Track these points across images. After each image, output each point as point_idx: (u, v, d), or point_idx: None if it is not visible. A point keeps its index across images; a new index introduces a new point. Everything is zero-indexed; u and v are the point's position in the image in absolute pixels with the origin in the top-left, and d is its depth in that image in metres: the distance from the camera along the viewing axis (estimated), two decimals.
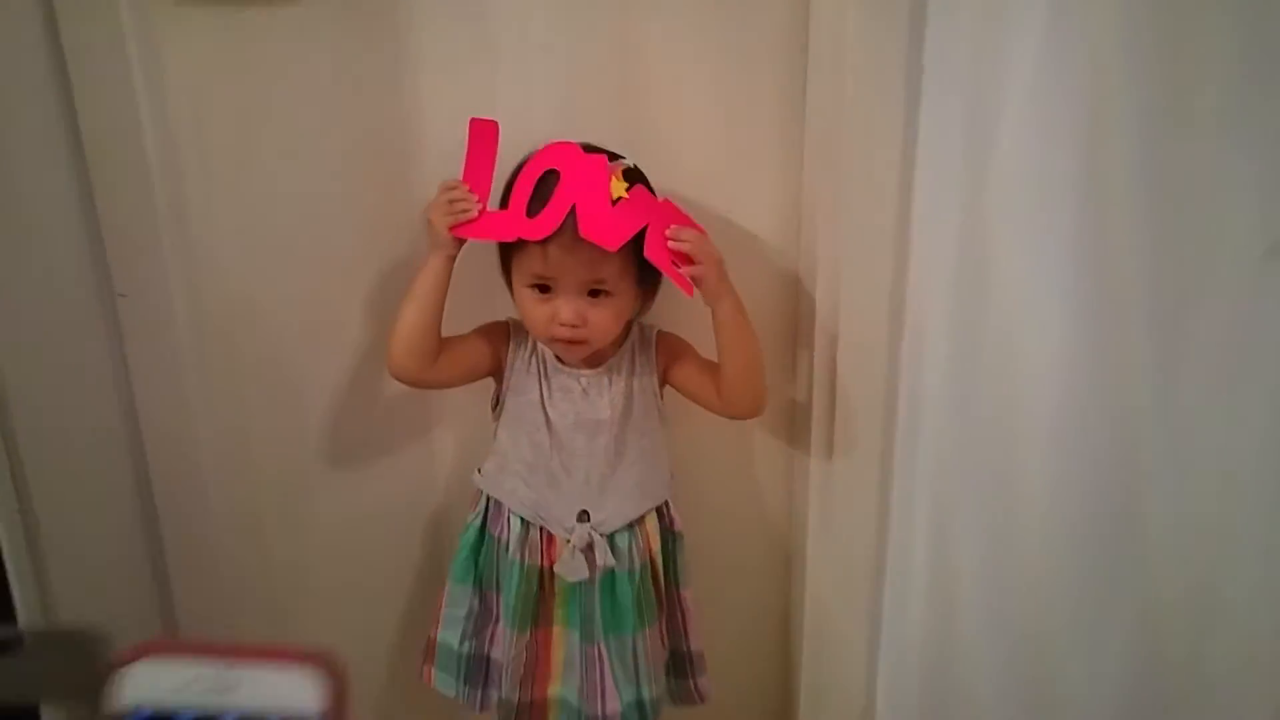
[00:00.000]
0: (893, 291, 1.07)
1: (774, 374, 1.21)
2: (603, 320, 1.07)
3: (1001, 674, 1.03)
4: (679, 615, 1.22)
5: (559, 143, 1.03)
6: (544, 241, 1.02)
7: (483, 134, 1.04)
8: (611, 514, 1.14)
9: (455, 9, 1.10)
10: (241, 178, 1.07)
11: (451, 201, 1.05)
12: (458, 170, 1.06)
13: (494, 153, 1.04)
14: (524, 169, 1.04)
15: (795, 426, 1.28)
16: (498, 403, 1.17)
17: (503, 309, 1.17)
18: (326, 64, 1.08)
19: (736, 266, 1.10)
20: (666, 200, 1.06)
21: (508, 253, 1.09)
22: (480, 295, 1.16)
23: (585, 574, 1.13)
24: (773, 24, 1.11)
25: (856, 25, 1.02)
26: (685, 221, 1.05)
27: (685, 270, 1.04)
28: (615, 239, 1.01)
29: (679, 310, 1.16)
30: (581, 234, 1.00)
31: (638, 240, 1.03)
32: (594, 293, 1.06)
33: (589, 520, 1.13)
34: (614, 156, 1.04)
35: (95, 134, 0.99)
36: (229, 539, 1.18)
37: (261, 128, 1.07)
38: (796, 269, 1.21)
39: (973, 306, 0.98)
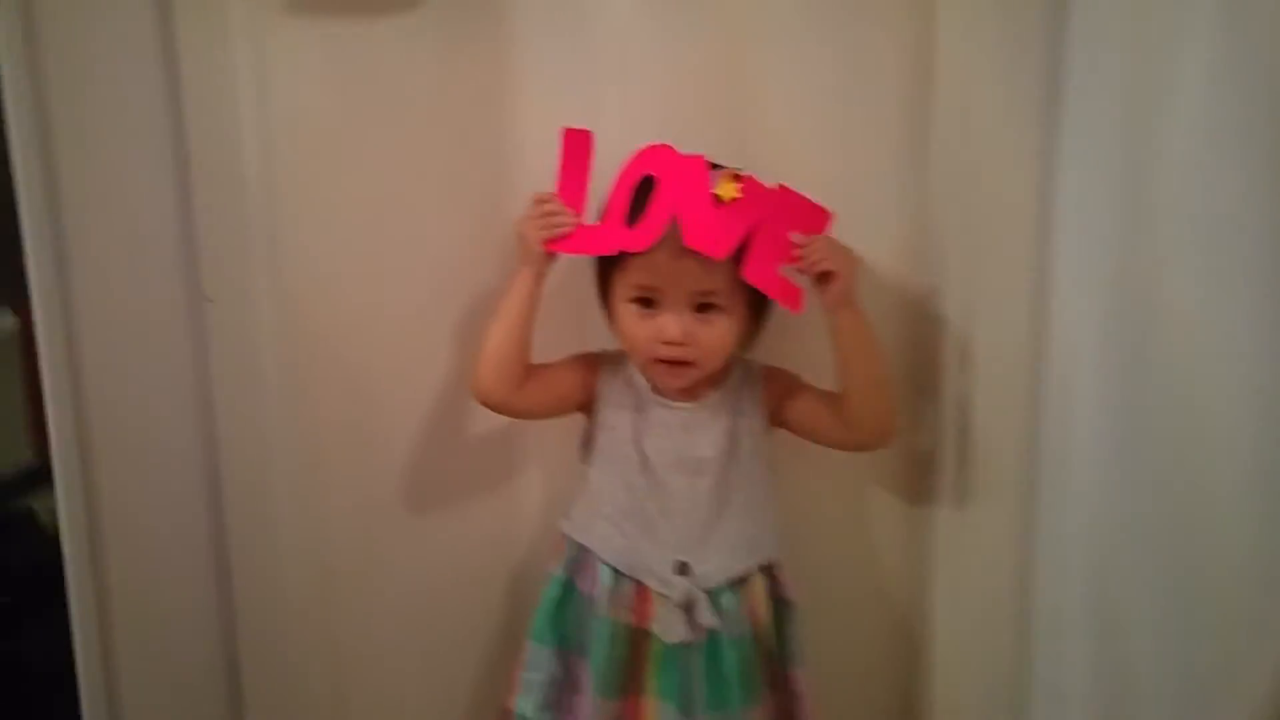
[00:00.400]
0: (1032, 322, 0.95)
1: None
2: (712, 339, 0.97)
3: None
4: (791, 700, 1.06)
5: (654, 145, 0.96)
6: (650, 249, 0.94)
7: (576, 144, 0.97)
8: (714, 567, 1.00)
9: (559, 21, 1.05)
10: (338, 190, 1.03)
11: (545, 215, 0.98)
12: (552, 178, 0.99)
13: (589, 164, 0.97)
14: (620, 177, 0.97)
15: (919, 479, 1.13)
16: (587, 442, 1.07)
17: (594, 339, 1.08)
18: (430, 76, 1.04)
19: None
20: (782, 188, 0.95)
21: (606, 269, 1.01)
22: (570, 325, 1.08)
23: (686, 635, 0.99)
24: (895, 29, 1.03)
25: (990, 27, 0.95)
26: (808, 213, 0.95)
27: (828, 287, 0.94)
28: (723, 246, 0.92)
29: (785, 344, 1.06)
30: (686, 242, 0.92)
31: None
32: (702, 309, 0.97)
33: (688, 573, 1.00)
34: (715, 167, 0.96)
35: (199, 135, 0.97)
36: (297, 587, 1.10)
37: (361, 139, 1.03)
38: (921, 299, 1.09)
39: (1133, 336, 0.85)
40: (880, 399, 1.00)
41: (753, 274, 0.94)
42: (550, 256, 0.99)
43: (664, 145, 0.95)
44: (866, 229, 1.03)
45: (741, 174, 0.95)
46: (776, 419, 1.05)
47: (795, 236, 0.94)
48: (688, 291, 0.95)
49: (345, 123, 1.02)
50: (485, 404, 1.03)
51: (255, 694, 1.11)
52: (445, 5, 1.02)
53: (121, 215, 0.96)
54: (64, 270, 0.92)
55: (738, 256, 0.94)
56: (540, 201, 0.99)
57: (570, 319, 1.08)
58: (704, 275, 0.95)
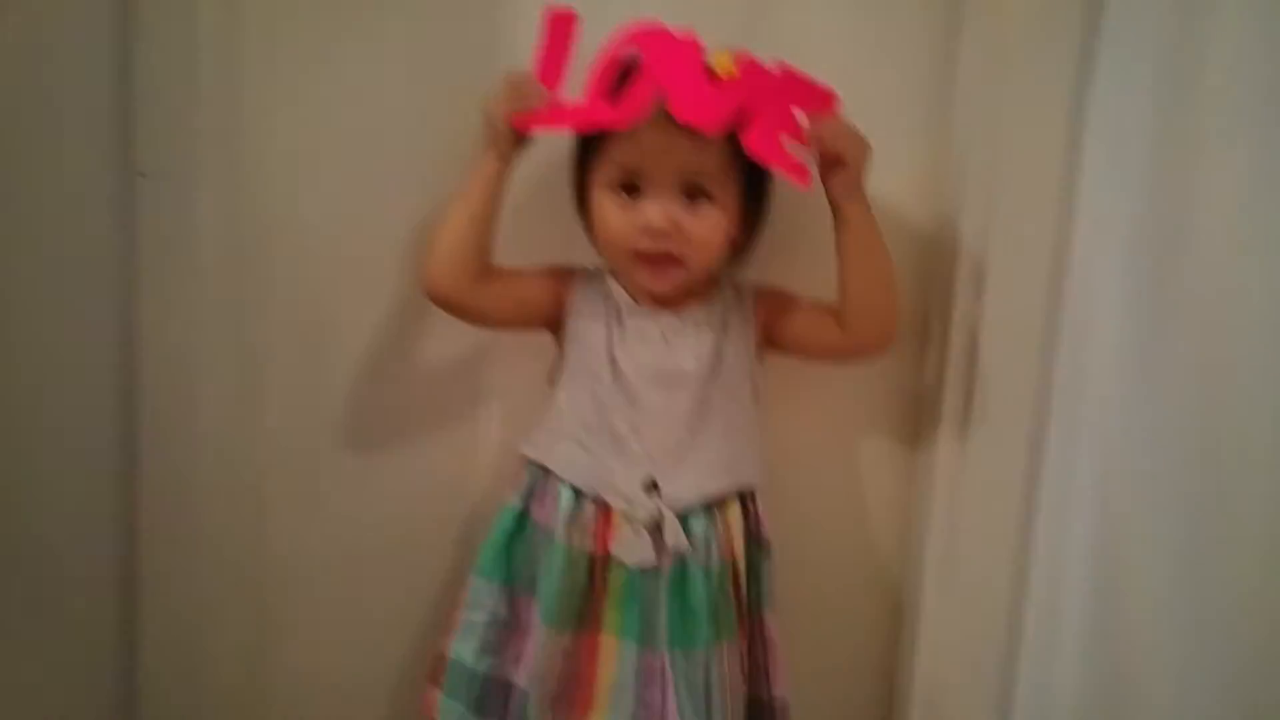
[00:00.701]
0: (1054, 252, 0.89)
1: (895, 363, 1.03)
2: (701, 231, 0.89)
3: None
4: (761, 647, 0.97)
5: (641, 23, 0.89)
6: (631, 128, 0.86)
7: (558, 26, 0.90)
8: (686, 487, 0.92)
9: None
10: (306, 73, 0.96)
11: (514, 89, 0.90)
12: None
13: (570, 47, 0.90)
14: (602, 54, 0.90)
15: (920, 416, 1.06)
16: (556, 365, 0.99)
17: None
18: None
19: None
20: (784, 66, 0.88)
21: (584, 156, 0.93)
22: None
23: (650, 558, 0.90)
24: None
25: None
26: (812, 94, 0.88)
27: (837, 174, 0.87)
28: (716, 119, 0.85)
29: (776, 265, 1.00)
30: (675, 115, 0.85)
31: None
32: (691, 196, 0.89)
33: (658, 492, 0.92)
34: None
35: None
36: (216, 515, 0.99)
37: (337, 20, 0.96)
38: (939, 223, 1.02)
39: (1160, 284, 0.79)
40: (885, 297, 0.92)
41: (756, 144, 0.86)
42: (518, 139, 0.91)
43: (653, 23, 0.89)
44: (884, 160, 0.95)
45: (739, 53, 0.89)
46: (770, 339, 0.97)
47: (803, 117, 0.88)
48: (675, 172, 0.88)
49: (322, 15, 0.95)
50: (433, 297, 0.94)
51: (154, 636, 0.98)
52: None
53: (46, 69, 0.86)
54: None
55: (733, 141, 0.87)
56: (510, 78, 0.92)
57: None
58: (694, 153, 0.87)
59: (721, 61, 0.87)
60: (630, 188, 0.89)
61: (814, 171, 0.89)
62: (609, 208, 0.90)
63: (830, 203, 0.90)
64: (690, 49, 0.87)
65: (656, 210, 0.88)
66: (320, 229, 0.98)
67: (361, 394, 1.04)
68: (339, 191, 0.98)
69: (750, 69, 0.87)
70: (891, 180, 0.93)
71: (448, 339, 1.04)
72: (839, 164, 0.87)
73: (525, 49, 0.92)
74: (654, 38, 0.88)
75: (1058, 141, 0.87)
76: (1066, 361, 0.89)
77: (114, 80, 0.89)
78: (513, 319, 0.98)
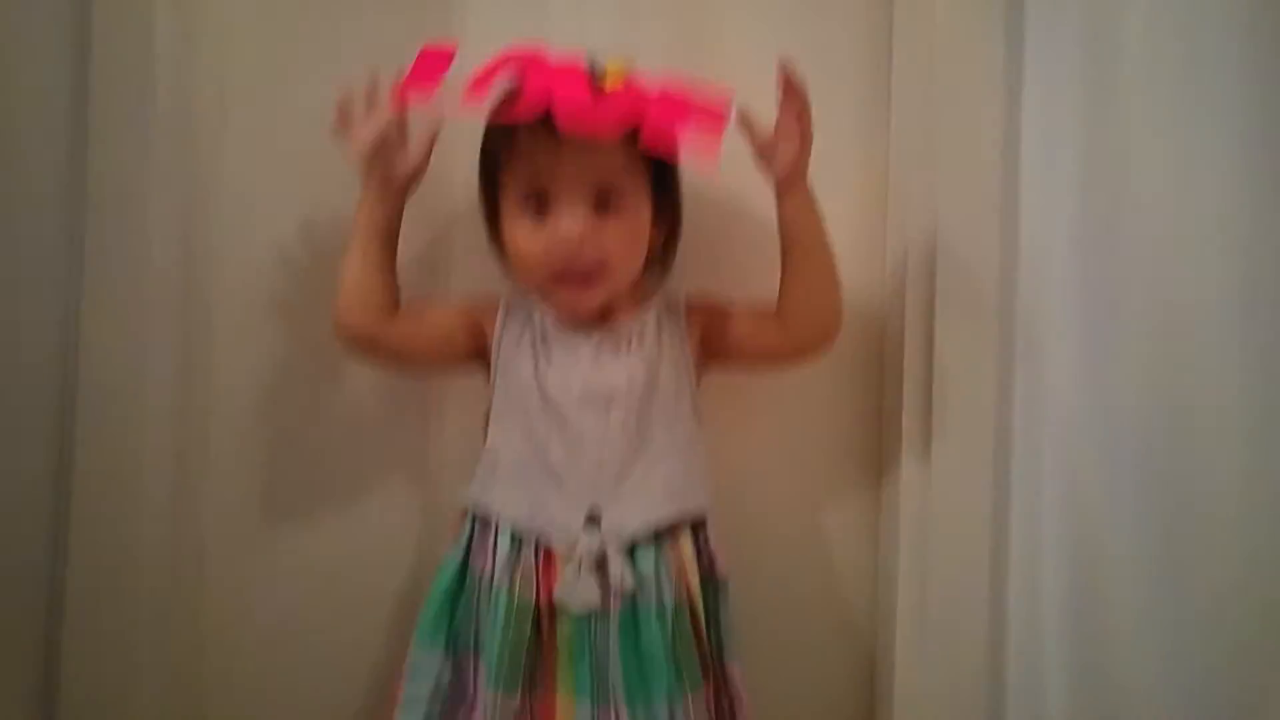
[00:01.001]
0: (1001, 272, 0.89)
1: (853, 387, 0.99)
2: (618, 237, 0.85)
3: None
4: (726, 703, 0.87)
5: (521, 46, 0.86)
6: (530, 140, 0.83)
7: (435, 62, 0.86)
8: (631, 515, 0.84)
9: None
10: (260, 105, 0.97)
11: (343, 112, 0.88)
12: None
13: (439, 80, 0.86)
14: (479, 70, 0.85)
15: (879, 449, 1.01)
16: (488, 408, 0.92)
17: None
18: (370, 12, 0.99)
19: None
20: (671, 83, 0.84)
21: (489, 184, 0.89)
22: None
23: (595, 601, 0.82)
24: None
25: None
26: (705, 111, 0.83)
27: (778, 154, 0.84)
28: (602, 122, 0.80)
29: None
30: (561, 126, 0.80)
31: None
32: (601, 206, 0.85)
33: (599, 527, 0.83)
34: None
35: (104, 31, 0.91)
36: (150, 568, 0.93)
37: (291, 55, 0.98)
38: (882, 257, 1.00)
39: (1102, 281, 0.79)
40: (829, 293, 0.89)
41: (650, 137, 0.81)
42: (387, 173, 0.89)
43: (533, 46, 0.86)
44: (828, 168, 0.92)
45: (630, 68, 0.86)
46: (709, 350, 0.92)
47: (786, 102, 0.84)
48: (580, 182, 0.84)
49: (276, 34, 0.97)
50: (341, 339, 0.91)
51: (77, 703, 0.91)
52: None
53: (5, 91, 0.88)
54: None
55: (636, 149, 0.83)
56: (341, 104, 0.89)
57: None
58: (596, 160, 0.83)
59: (612, 69, 0.84)
60: (539, 207, 0.86)
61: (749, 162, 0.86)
62: (521, 232, 0.87)
63: (777, 191, 0.87)
64: (571, 65, 0.85)
65: (568, 220, 0.84)
66: (269, 260, 0.97)
67: (311, 435, 1.00)
68: (288, 224, 0.98)
69: (638, 83, 0.84)
70: (832, 197, 0.90)
71: (395, 387, 1.00)
72: (795, 138, 0.84)
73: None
74: (533, 56, 0.85)
75: (994, 150, 0.88)
76: (1023, 370, 0.88)
77: (69, 105, 0.90)
78: (430, 356, 0.94)
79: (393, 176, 0.90)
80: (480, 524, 0.88)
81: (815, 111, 0.85)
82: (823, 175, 0.87)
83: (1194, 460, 0.71)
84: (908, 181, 0.96)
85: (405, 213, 0.92)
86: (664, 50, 0.96)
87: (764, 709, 0.88)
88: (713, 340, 0.91)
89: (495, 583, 0.84)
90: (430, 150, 0.91)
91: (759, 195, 0.88)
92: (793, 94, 0.84)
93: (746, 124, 0.85)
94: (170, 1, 0.92)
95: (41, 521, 0.91)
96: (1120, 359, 0.77)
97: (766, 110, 0.91)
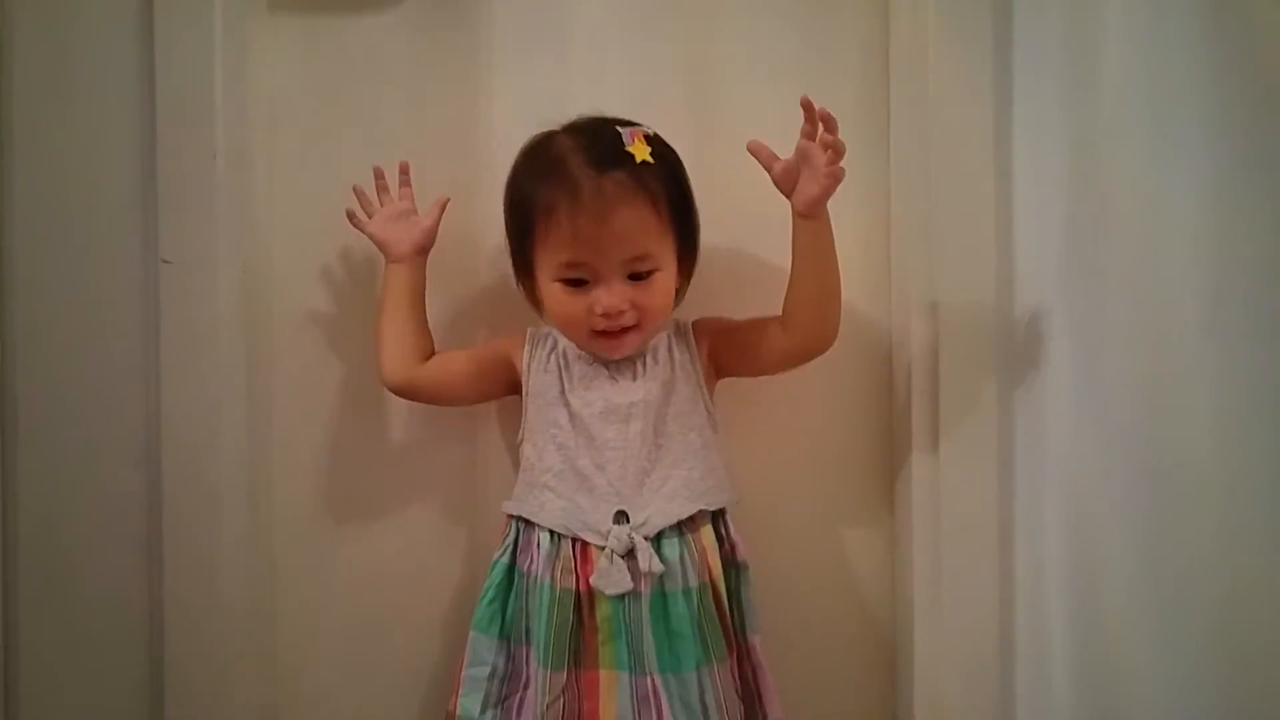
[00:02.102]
0: (998, 277, 0.99)
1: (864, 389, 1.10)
2: (653, 300, 0.95)
3: None
4: (749, 671, 0.98)
5: None
6: (571, 218, 0.92)
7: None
8: (654, 513, 0.96)
9: (534, 21, 1.11)
10: (307, 171, 1.08)
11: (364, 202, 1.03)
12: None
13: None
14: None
15: (891, 448, 1.11)
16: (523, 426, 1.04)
17: None
18: (403, 70, 1.10)
19: None
20: None
21: (525, 252, 0.98)
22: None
23: (628, 585, 0.93)
24: (854, 27, 1.10)
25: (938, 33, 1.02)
26: None
27: (826, 171, 0.90)
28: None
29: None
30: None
31: (672, 197, 0.96)
32: (635, 276, 0.94)
33: (628, 522, 0.95)
34: (626, 124, 0.97)
35: (167, 107, 1.02)
36: (234, 583, 1.05)
37: (334, 126, 1.09)
38: (887, 281, 1.11)
39: (1093, 283, 0.86)
40: (834, 301, 0.97)
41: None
42: (396, 251, 1.02)
43: None
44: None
45: (658, 142, 0.96)
46: (719, 363, 1.03)
47: (823, 139, 0.91)
48: (619, 260, 0.93)
49: (319, 108, 1.09)
50: (391, 388, 1.03)
51: (179, 692, 1.04)
52: (421, 3, 1.09)
53: (83, 176, 1.00)
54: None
55: (663, 207, 0.94)
56: (350, 209, 1.03)
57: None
58: (634, 237, 0.92)
59: (639, 148, 0.94)
60: (577, 280, 0.95)
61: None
62: (559, 297, 0.96)
63: (797, 215, 0.94)
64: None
65: (607, 298, 0.94)
66: (324, 314, 1.09)
67: (366, 461, 1.11)
68: (339, 281, 1.09)
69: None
70: (838, 215, 0.98)
71: (444, 413, 1.11)
72: (821, 177, 0.91)
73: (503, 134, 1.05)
74: None
75: (988, 153, 0.97)
76: (1020, 370, 0.96)
77: (140, 177, 1.01)
78: (464, 393, 1.06)
79: (403, 253, 1.02)
80: (524, 527, 0.99)
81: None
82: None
83: (1177, 451, 0.75)
84: (909, 204, 1.06)
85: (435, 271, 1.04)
86: (676, 103, 1.08)
87: (785, 682, 1.00)
88: (722, 350, 1.02)
89: (539, 575, 0.96)
90: (438, 220, 1.04)
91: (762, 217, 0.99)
92: (828, 127, 0.90)
93: (760, 154, 0.93)
94: (226, 75, 1.03)
95: (138, 541, 1.03)
96: (1109, 364, 0.83)
97: (761, 136, 1.00)
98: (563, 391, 0.99)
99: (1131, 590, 0.80)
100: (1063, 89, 0.90)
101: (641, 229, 0.93)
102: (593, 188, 0.92)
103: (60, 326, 1.00)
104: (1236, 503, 0.70)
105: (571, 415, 0.98)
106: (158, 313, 1.02)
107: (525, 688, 0.98)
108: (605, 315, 0.94)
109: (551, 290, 0.96)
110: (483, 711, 0.98)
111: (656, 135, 0.97)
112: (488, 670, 0.99)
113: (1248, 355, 0.68)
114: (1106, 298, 0.83)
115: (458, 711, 1.00)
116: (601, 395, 0.98)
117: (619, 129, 0.95)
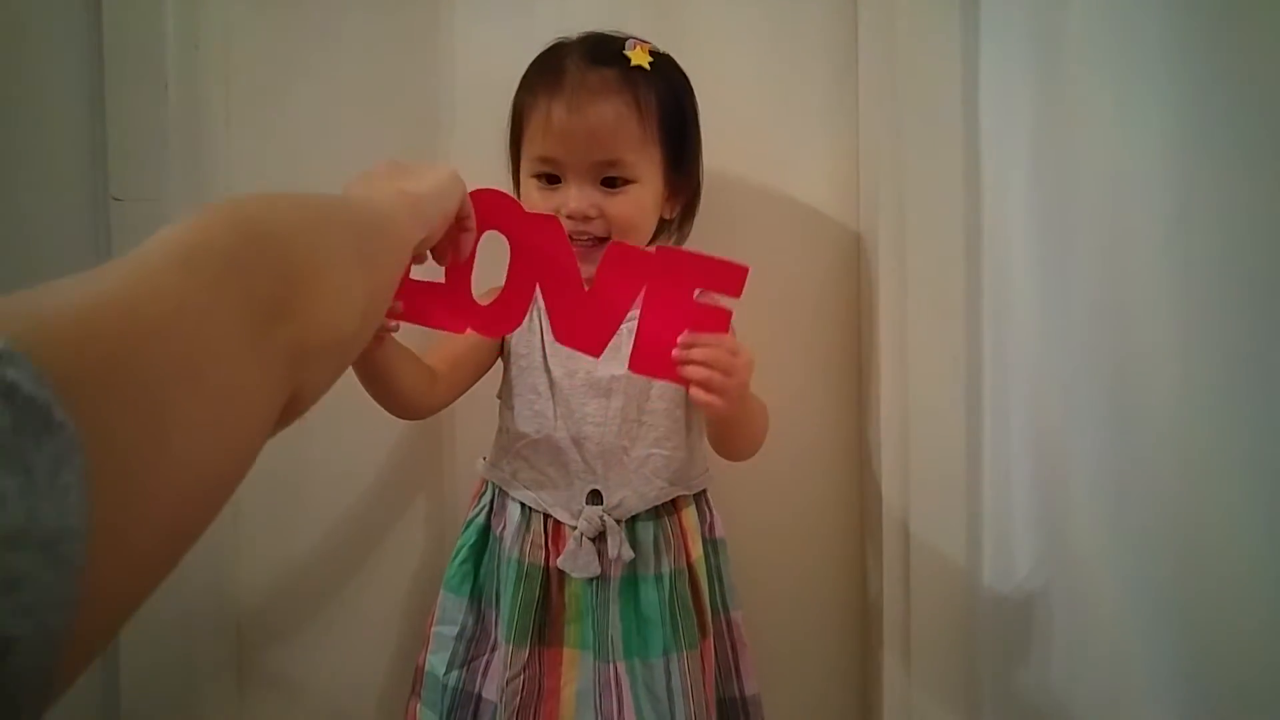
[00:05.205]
0: (967, 237, 0.94)
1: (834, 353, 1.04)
2: (623, 208, 0.89)
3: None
4: (729, 646, 0.95)
5: (489, 195, 0.78)
6: (549, 107, 0.88)
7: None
8: (630, 494, 0.91)
9: None
10: (266, 114, 1.02)
11: None
12: (483, 121, 0.96)
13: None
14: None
15: (861, 407, 1.06)
16: (504, 386, 0.98)
17: None
18: (364, 16, 1.04)
19: (790, 248, 1.02)
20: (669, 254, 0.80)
21: (518, 157, 0.95)
22: None
23: (594, 570, 0.89)
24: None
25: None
26: (714, 271, 0.78)
27: (702, 398, 0.79)
28: (598, 347, 0.80)
29: None
30: (556, 339, 0.81)
31: (666, 110, 0.89)
32: (608, 183, 0.89)
33: (601, 503, 0.91)
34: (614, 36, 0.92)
35: (114, 35, 0.96)
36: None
37: (292, 69, 1.03)
38: (857, 244, 1.06)
39: (1056, 213, 0.85)
40: (753, 448, 0.93)
41: (639, 365, 0.80)
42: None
43: (504, 196, 0.79)
44: (800, 155, 1.03)
45: (662, 57, 0.90)
46: None
47: (683, 338, 0.79)
48: (592, 162, 0.88)
49: (275, 47, 1.02)
50: (414, 419, 0.97)
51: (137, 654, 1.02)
52: None
53: (28, 111, 0.94)
54: None
55: (650, 120, 0.88)
56: None
57: None
58: (605, 141, 0.87)
59: (639, 55, 0.89)
60: (550, 178, 0.91)
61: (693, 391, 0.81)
62: (534, 197, 0.92)
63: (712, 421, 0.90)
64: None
65: (575, 197, 0.89)
66: None
67: (331, 413, 1.03)
68: None
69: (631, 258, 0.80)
70: (805, 178, 0.97)
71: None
72: (717, 406, 0.79)
73: (465, 74, 1.00)
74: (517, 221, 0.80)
75: (956, 132, 0.94)
76: (988, 298, 0.94)
77: (88, 113, 0.95)
78: (476, 377, 0.97)
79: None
80: (498, 491, 0.95)
81: (786, 98, 0.92)
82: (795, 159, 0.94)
83: (1138, 388, 0.75)
84: (878, 148, 1.00)
85: None
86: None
87: (770, 651, 0.98)
88: None
89: (509, 547, 0.92)
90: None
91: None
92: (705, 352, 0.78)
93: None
94: (178, 10, 0.97)
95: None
96: (1074, 286, 0.82)
97: (732, 100, 0.99)
98: (544, 355, 0.93)
99: (1092, 489, 0.81)
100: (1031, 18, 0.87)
101: (620, 130, 0.87)
102: (576, 79, 0.88)
103: (6, 265, 0.95)
104: (1191, 401, 0.73)
105: (552, 383, 0.93)
106: (110, 253, 0.96)
107: (493, 650, 0.96)
108: (571, 217, 0.88)
109: (528, 189, 0.92)
110: (448, 671, 0.96)
111: (669, 57, 0.91)
112: (456, 630, 0.96)
113: (1204, 275, 0.70)
114: (1072, 222, 0.83)
115: (425, 666, 0.97)
116: (583, 365, 0.91)
117: (629, 39, 0.91)
